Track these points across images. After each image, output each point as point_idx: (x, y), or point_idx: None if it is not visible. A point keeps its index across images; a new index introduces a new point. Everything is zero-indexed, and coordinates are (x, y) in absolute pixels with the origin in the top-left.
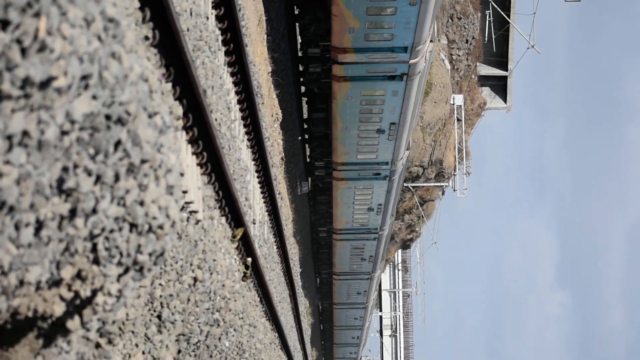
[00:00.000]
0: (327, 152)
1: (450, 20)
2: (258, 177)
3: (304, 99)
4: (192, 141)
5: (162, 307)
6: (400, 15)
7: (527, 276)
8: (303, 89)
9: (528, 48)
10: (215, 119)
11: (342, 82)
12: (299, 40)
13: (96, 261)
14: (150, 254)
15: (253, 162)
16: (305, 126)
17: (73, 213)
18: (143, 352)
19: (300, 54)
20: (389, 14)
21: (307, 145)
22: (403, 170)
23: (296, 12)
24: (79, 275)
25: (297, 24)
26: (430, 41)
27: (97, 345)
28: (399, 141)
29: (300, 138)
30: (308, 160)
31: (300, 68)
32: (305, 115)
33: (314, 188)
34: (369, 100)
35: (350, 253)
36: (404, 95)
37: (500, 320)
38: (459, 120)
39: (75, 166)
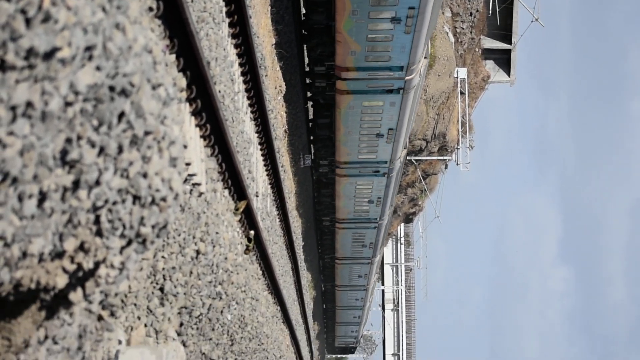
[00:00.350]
0: (330, 152)
1: None
2: (261, 149)
3: (310, 103)
4: (195, 113)
5: (164, 279)
6: (396, 41)
7: (529, 251)
8: (309, 94)
9: (532, 21)
10: (219, 91)
11: (345, 95)
12: (307, 59)
13: (99, 233)
14: (153, 227)
15: (256, 135)
16: (311, 125)
17: (76, 185)
18: (145, 325)
19: (307, 69)
20: (386, 40)
21: (312, 146)
22: (401, 167)
23: (304, 33)
24: (81, 247)
25: (305, 45)
26: (425, 57)
27: (100, 318)
28: (397, 143)
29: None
30: (312, 158)
31: (307, 81)
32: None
33: (318, 182)
34: (369, 110)
35: (351, 240)
36: (400, 106)
37: (503, 295)
38: (462, 93)
39: (79, 137)
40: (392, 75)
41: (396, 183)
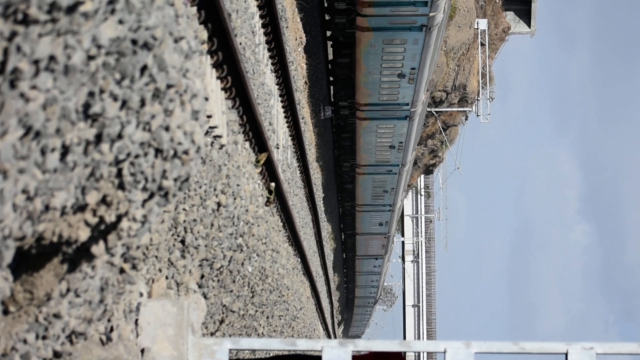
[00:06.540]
0: (350, 94)
1: None
2: (282, 101)
3: (329, 43)
4: (216, 65)
5: (185, 232)
6: None
7: (550, 206)
8: (329, 33)
9: None
10: (240, 43)
11: (366, 32)
12: None
13: (121, 186)
14: (175, 179)
15: (277, 87)
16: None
17: (99, 138)
18: (166, 277)
19: (325, 4)
20: None
21: (331, 87)
22: (424, 111)
23: None
24: (104, 201)
25: None
26: None
27: (121, 271)
28: (419, 84)
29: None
30: (332, 100)
31: (327, 17)
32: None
33: (337, 126)
34: (390, 48)
35: (372, 186)
36: (423, 44)
37: (523, 248)
38: (482, 44)
39: (102, 91)
40: (416, 11)
41: (419, 128)
